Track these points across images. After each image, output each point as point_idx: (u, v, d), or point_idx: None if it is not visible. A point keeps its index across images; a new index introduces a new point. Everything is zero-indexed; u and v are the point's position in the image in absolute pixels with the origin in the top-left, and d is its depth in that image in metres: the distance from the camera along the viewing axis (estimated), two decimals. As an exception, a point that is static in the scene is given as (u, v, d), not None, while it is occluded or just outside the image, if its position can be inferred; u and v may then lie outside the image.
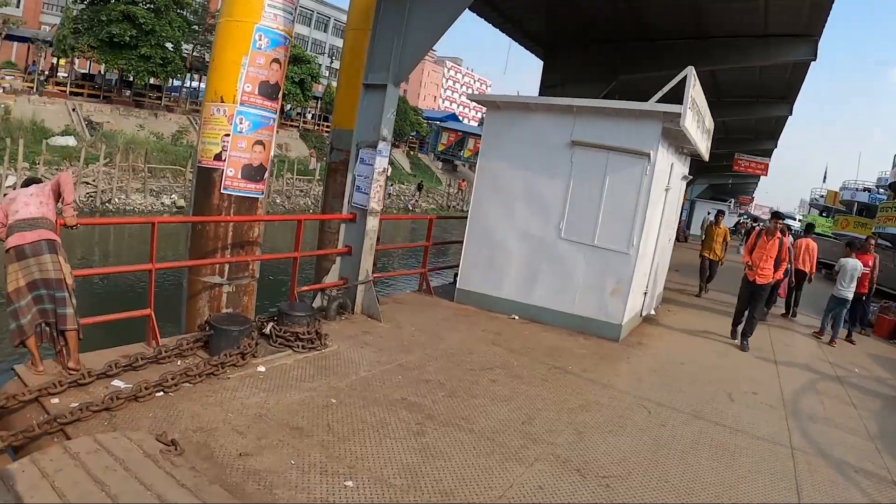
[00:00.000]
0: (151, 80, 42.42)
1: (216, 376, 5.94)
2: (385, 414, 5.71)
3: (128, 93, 42.51)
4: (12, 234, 5.32)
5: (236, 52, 7.99)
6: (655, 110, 9.04)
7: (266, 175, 8.50)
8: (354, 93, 9.51)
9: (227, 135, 8.00)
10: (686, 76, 8.98)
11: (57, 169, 30.26)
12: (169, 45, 40.83)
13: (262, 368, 6.35)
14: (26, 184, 5.79)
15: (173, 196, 34.08)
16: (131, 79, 41.61)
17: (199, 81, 52.08)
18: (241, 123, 8.05)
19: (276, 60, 8.23)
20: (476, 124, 79.62)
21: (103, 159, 31.51)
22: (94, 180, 31.02)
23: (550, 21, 15.93)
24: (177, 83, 47.86)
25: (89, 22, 38.46)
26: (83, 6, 39.94)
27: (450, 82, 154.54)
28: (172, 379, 5.53)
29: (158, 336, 6.47)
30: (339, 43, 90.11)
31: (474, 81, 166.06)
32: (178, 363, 6.12)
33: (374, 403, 5.91)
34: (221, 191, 8.14)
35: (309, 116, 58.16)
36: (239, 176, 8.16)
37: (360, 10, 10.41)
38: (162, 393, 5.45)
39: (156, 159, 34.87)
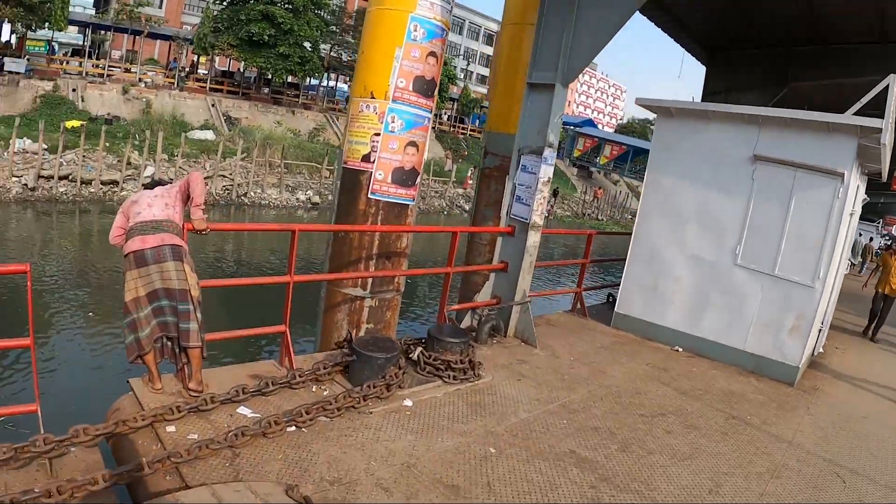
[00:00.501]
0: (289, 79, 43.42)
1: (357, 410, 5.28)
2: (553, 471, 4.89)
3: (266, 90, 43.63)
4: (132, 238, 4.82)
5: (389, 44, 7.33)
6: (851, 124, 7.91)
7: (418, 180, 7.86)
8: (511, 92, 8.93)
9: (377, 134, 7.33)
10: (889, 85, 7.91)
11: (195, 162, 31.34)
12: (307, 45, 41.44)
13: (408, 402, 5.67)
14: (150, 186, 5.31)
15: (308, 192, 34.54)
16: (269, 76, 42.53)
17: (336, 81, 52.95)
18: (392, 122, 7.36)
19: (432, 54, 7.52)
20: (611, 130, 77.51)
21: (241, 154, 32.21)
22: (230, 174, 31.83)
23: (717, 22, 14.71)
24: (314, 82, 48.74)
25: (229, 21, 39.62)
26: (223, 6, 41.29)
27: (584, 87, 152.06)
28: (307, 412, 4.91)
29: (293, 356, 5.93)
30: (474, 45, 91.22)
31: (609, 87, 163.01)
32: (314, 389, 5.56)
33: (538, 456, 5.11)
34: (369, 195, 7.50)
35: (445, 118, 58.00)
36: (389, 180, 7.50)
37: (519, 2, 9.63)
38: (294, 428, 4.81)
39: (292, 155, 35.48)
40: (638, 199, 10.51)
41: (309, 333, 8.69)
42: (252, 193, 32.22)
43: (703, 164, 9.09)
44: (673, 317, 9.39)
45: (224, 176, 31.61)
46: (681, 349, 9.18)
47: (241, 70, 44.81)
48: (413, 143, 7.53)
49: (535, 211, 8.11)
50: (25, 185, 26.64)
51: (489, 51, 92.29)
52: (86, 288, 17.35)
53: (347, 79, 51.42)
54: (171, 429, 4.51)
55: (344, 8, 51.93)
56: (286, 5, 39.90)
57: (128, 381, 5.13)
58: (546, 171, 8.05)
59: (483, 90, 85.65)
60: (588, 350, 8.45)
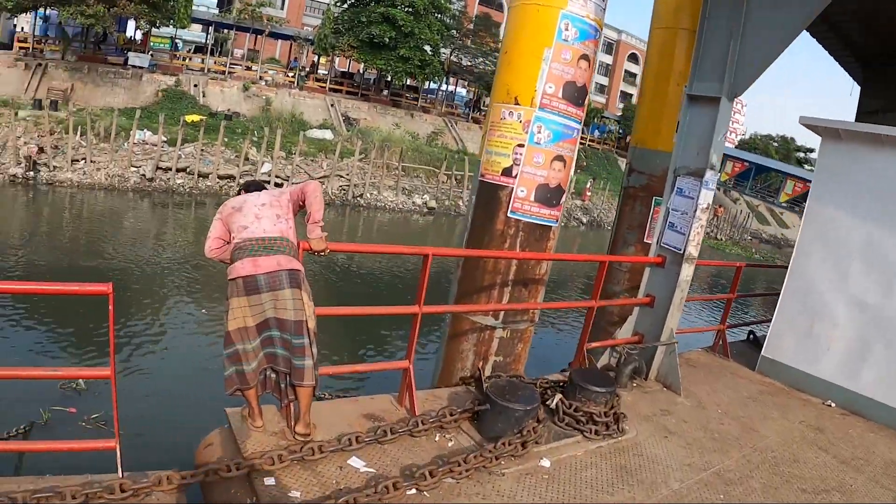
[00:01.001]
0: (408, 81, 42.81)
1: (487, 470, 4.47)
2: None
3: (385, 92, 43.53)
4: (241, 259, 4.18)
5: (536, 44, 6.51)
6: None
7: (564, 199, 7.07)
8: (661, 104, 8.28)
9: (521, 145, 6.54)
10: None
11: (312, 160, 31.23)
12: (427, 48, 40.98)
13: (545, 463, 4.80)
14: (248, 188, 4.65)
15: (425, 196, 34.10)
16: (389, 79, 42.23)
17: (455, 85, 52.20)
18: (539, 132, 6.55)
19: (584, 57, 6.67)
20: (731, 146, 73.78)
21: (358, 154, 31.97)
22: (347, 174, 31.38)
23: (877, 35, 12.83)
24: (433, 85, 48.25)
25: (350, 23, 39.59)
26: (344, 7, 41.36)
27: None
28: (432, 475, 4.13)
29: (415, 397, 5.15)
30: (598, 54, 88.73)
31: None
32: (437, 438, 4.83)
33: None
34: (508, 214, 6.73)
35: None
36: (532, 198, 6.69)
37: (671, 5, 8.78)
38: (415, 491, 4.04)
39: (410, 158, 35.13)
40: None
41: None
42: (368, 195, 31.96)
43: (873, 195, 7.86)
44: (828, 367, 8.15)
45: (341, 176, 31.39)
46: (833, 404, 7.95)
47: (361, 71, 44.44)
48: (560, 158, 6.71)
49: (690, 241, 7.14)
50: (143, 175, 27.26)
51: (608, 59, 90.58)
52: (193, 287, 17.02)
53: (466, 83, 50.53)
54: (270, 481, 3.90)
55: (464, 12, 50.95)
56: (407, 8, 39.50)
57: (224, 411, 4.60)
58: (706, 197, 7.03)
59: (601, 100, 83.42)
60: (734, 400, 7.44)
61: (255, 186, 4.64)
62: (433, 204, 33.53)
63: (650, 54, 9.32)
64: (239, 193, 4.60)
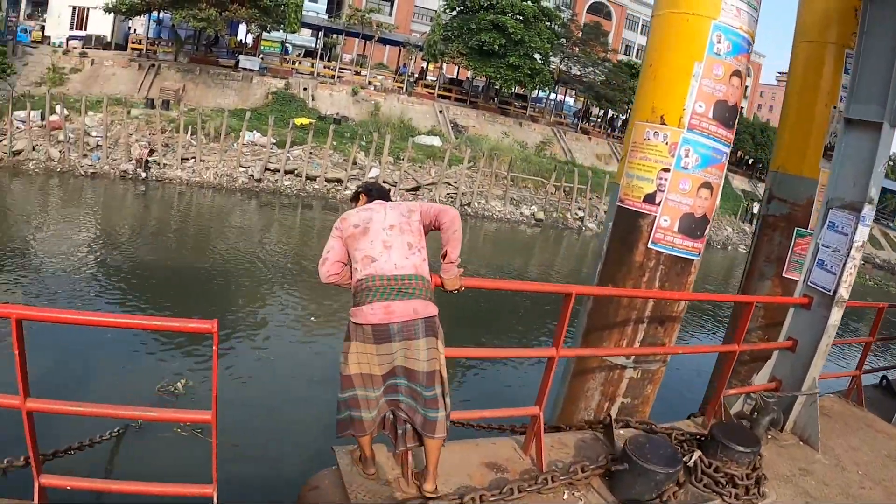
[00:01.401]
0: (517, 90, 41.48)
1: None
2: None
3: (493, 100, 42.64)
4: (370, 303, 3.59)
5: (685, 57, 5.85)
6: None
7: (708, 230, 6.37)
8: (806, 126, 7.59)
9: (666, 170, 5.88)
10: None
11: (420, 167, 30.76)
12: (537, 56, 39.99)
13: None
14: (370, 192, 4.09)
15: (533, 207, 33.15)
16: (498, 86, 41.34)
17: (565, 95, 50.98)
18: (686, 156, 5.90)
19: (736, 73, 6.01)
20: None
21: (467, 162, 31.08)
22: (455, 182, 30.36)
23: None
24: (541, 94, 46.84)
25: (459, 29, 38.98)
26: (454, 14, 40.79)
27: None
28: None
29: (543, 447, 4.57)
30: None
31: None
32: (565, 496, 4.30)
33: None
34: (649, 245, 6.08)
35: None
36: (675, 228, 6.04)
37: (817, 16, 7.92)
38: None
39: (518, 168, 34.21)
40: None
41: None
42: (476, 204, 30.97)
43: None
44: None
45: (448, 183, 30.47)
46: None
47: (470, 78, 43.55)
48: (707, 185, 6.07)
49: (842, 282, 6.24)
50: (252, 175, 27.30)
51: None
52: (299, 292, 16.34)
53: (574, 92, 49.13)
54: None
55: (574, 20, 49.54)
56: (517, 15, 38.62)
57: (332, 450, 4.27)
58: (862, 234, 6.17)
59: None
60: (875, 460, 6.51)
61: (379, 192, 4.08)
62: (541, 215, 32.40)
63: (793, 70, 8.37)
64: (357, 198, 4.10)
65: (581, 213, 33.62)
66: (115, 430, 7.52)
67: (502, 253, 25.43)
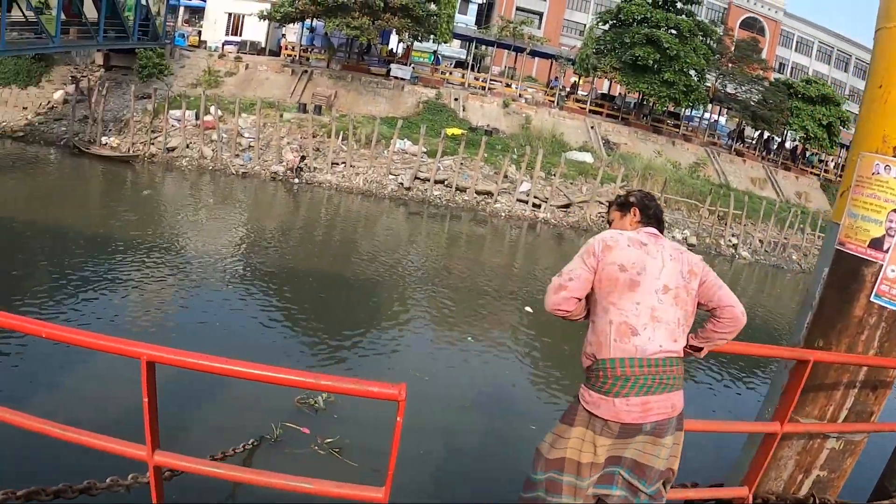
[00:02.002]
0: (670, 107, 39.51)
1: None
2: None
3: (645, 117, 40.75)
4: (628, 395, 2.86)
5: None
6: None
7: None
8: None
9: None
10: None
11: (571, 183, 29.74)
12: (692, 73, 37.99)
13: None
14: (645, 209, 3.21)
15: (685, 231, 31.41)
16: (651, 103, 39.69)
17: (719, 115, 48.80)
18: None
19: None
20: None
21: (620, 181, 30.01)
22: (607, 201, 28.54)
23: None
24: (693, 113, 44.68)
25: (612, 43, 37.81)
26: (606, 28, 39.60)
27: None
28: None
29: None
30: (861, 84, 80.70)
31: None
32: None
33: None
34: (871, 298, 4.82)
35: (831, 165, 50.26)
36: None
37: None
38: None
39: (671, 189, 32.58)
40: None
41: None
42: None
43: None
44: None
45: (600, 202, 28.98)
46: None
47: (622, 94, 41.94)
48: None
49: None
50: (401, 183, 27.09)
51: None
52: (451, 306, 15.52)
53: (726, 111, 46.66)
54: None
55: (730, 34, 46.85)
56: (671, 30, 37.03)
57: None
58: None
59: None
60: None
61: (656, 213, 3.22)
62: (693, 240, 30.57)
63: (876, 59, 6.61)
64: (624, 207, 3.26)
65: (734, 241, 31.47)
66: (251, 441, 7.23)
67: None
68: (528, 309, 15.64)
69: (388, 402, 2.50)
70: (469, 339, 13.13)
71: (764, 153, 43.53)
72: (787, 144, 46.16)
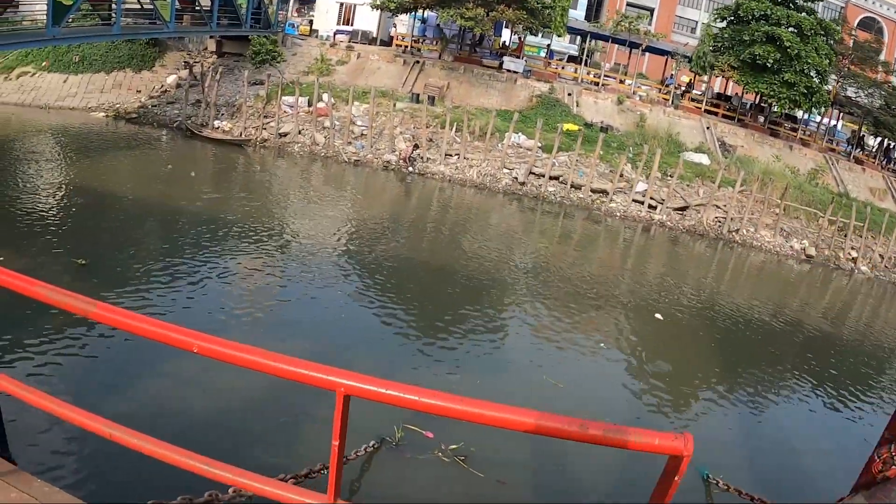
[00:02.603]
0: (788, 110, 37.53)
1: None
2: None
3: (762, 119, 38.86)
4: None
5: None
6: None
7: None
8: None
9: None
10: None
11: (688, 185, 28.46)
12: (813, 74, 35.88)
13: None
14: None
15: (804, 242, 29.60)
16: (769, 104, 38.02)
17: (838, 119, 46.70)
18: None
19: None
20: None
21: (739, 185, 28.57)
22: (724, 205, 27.50)
23: None
24: (808, 117, 42.49)
25: (730, 41, 36.32)
26: (723, 25, 38.07)
27: None
28: None
29: None
30: None
31: None
32: None
33: None
34: None
35: (955, 179, 47.07)
36: None
37: None
38: None
39: (790, 196, 30.75)
40: None
41: None
42: (744, 231, 28.33)
43: None
44: None
45: (717, 206, 27.94)
46: None
47: (740, 95, 40.22)
48: None
49: None
50: (516, 178, 26.65)
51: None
52: (573, 308, 15.35)
53: (843, 116, 44.48)
54: None
55: (851, 33, 44.35)
56: (792, 28, 35.02)
57: None
58: None
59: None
60: None
61: None
62: (812, 251, 28.95)
63: None
64: None
65: (854, 254, 29.59)
66: (372, 443, 7.10)
67: (765, 290, 22.74)
68: (658, 316, 15.00)
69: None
70: (601, 344, 12.67)
71: (885, 162, 41.18)
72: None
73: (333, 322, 11.17)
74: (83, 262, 10.35)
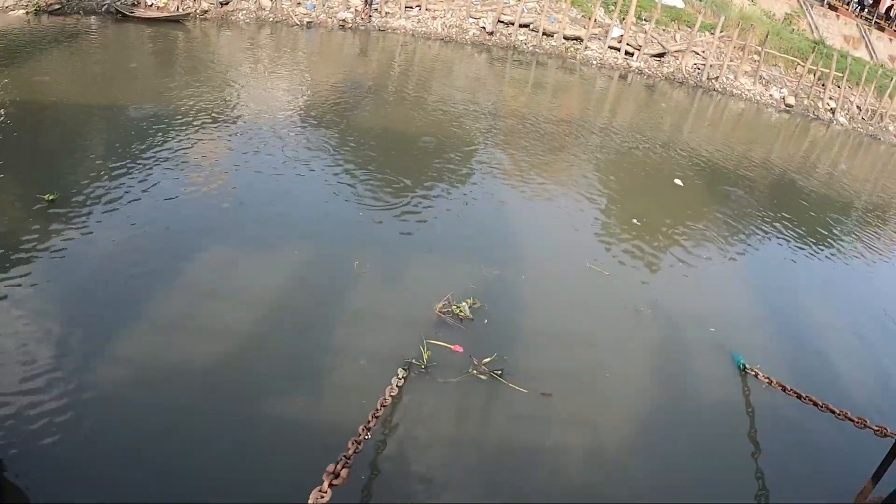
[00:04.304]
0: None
1: None
2: None
3: None
4: None
5: None
6: None
7: None
8: None
9: None
10: None
11: (664, 30, 26.72)
12: None
13: None
14: None
15: (783, 91, 28.51)
16: None
17: None
18: None
19: None
20: None
21: (720, 31, 26.91)
22: (703, 52, 25.73)
23: None
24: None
25: None
26: None
27: None
28: None
29: None
30: None
31: None
32: None
33: None
34: None
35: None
36: None
37: None
38: None
39: (770, 43, 28.75)
40: None
41: None
42: (724, 79, 26.86)
43: None
44: None
45: (696, 53, 26.03)
46: None
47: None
48: None
49: None
50: (483, 28, 24.58)
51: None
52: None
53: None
54: None
55: None
56: None
57: None
58: None
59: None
60: None
61: None
62: (791, 100, 27.89)
63: None
64: None
65: (833, 105, 28.33)
66: (401, 372, 6.08)
67: (745, 137, 21.73)
68: (677, 182, 13.51)
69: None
70: (635, 221, 11.35)
71: (858, 9, 39.32)
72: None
73: (307, 203, 9.61)
74: (51, 197, 8.26)
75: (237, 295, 6.79)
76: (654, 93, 23.90)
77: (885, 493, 5.11)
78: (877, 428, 4.80)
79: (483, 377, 6.19)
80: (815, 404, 5.59)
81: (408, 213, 9.48)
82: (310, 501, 3.26)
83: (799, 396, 5.91)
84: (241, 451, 4.84)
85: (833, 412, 5.30)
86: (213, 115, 12.58)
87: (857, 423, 5.00)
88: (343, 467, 3.61)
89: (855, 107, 29.15)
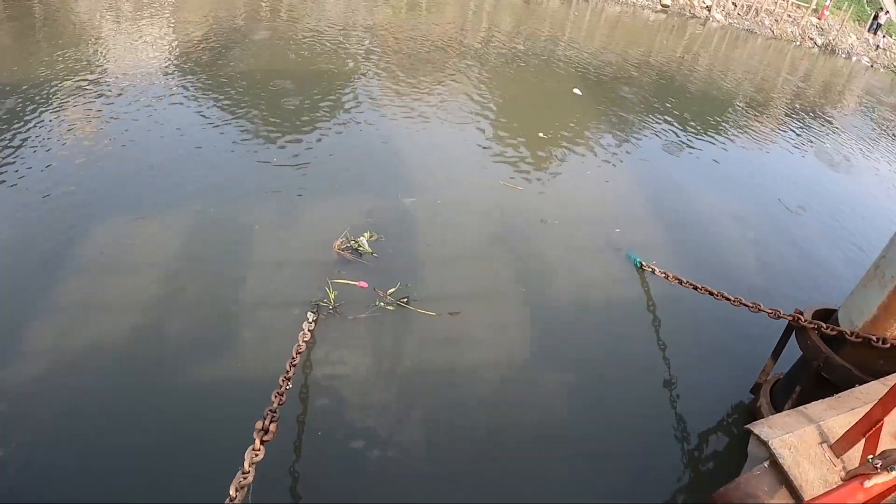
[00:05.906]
0: None
1: None
2: None
3: None
4: None
5: None
6: None
7: None
8: None
9: None
10: None
11: None
12: None
13: None
14: None
15: None
16: None
17: None
18: None
19: None
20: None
21: None
22: None
23: None
24: None
25: None
26: None
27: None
28: None
29: None
30: None
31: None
32: None
33: None
34: None
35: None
36: None
37: None
38: None
39: None
40: None
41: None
42: None
43: None
44: None
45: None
46: None
47: None
48: None
49: None
50: None
51: None
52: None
53: None
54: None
55: None
56: None
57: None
58: None
59: None
60: None
61: None
62: (667, 1, 28.71)
63: None
64: None
65: (708, 2, 29.23)
66: (310, 316, 5.87)
67: (623, 40, 21.97)
68: (576, 91, 13.53)
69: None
70: (541, 134, 11.30)
71: None
72: None
73: (196, 160, 8.73)
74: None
75: (133, 261, 6.35)
76: (530, 3, 23.80)
77: (785, 368, 5.55)
78: (770, 311, 5.09)
79: (391, 308, 6.16)
80: (711, 293, 5.85)
81: (299, 156, 9.05)
82: (245, 461, 3.22)
83: (695, 287, 6.14)
84: (168, 420, 4.61)
85: (728, 299, 5.56)
86: (82, 78, 11.15)
87: (752, 307, 5.28)
88: (271, 422, 3.56)
89: (731, 3, 30.10)
